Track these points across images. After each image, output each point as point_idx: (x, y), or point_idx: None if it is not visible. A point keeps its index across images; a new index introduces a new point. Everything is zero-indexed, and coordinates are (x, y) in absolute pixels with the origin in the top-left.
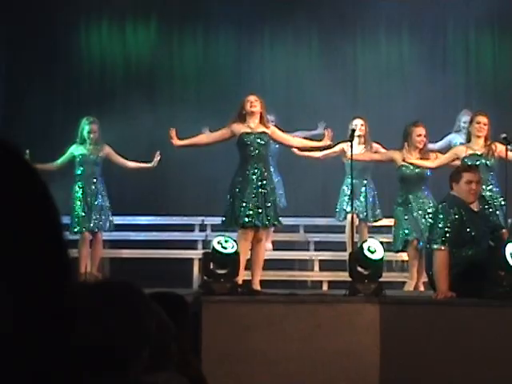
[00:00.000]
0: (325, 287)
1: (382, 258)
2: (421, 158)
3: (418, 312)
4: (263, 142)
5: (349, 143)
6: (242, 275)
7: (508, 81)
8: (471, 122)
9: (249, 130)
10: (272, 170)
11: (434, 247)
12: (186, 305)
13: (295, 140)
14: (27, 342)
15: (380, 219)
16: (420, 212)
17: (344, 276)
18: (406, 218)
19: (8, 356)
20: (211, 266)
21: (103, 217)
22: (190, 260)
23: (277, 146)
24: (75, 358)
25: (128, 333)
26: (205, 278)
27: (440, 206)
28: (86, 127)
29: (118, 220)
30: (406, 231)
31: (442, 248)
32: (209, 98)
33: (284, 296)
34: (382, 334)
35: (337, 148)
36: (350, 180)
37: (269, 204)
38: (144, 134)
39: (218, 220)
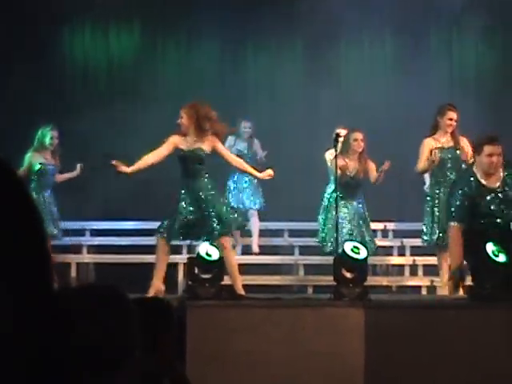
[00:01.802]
0: (310, 291)
1: (366, 258)
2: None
3: (403, 316)
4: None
5: (333, 151)
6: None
7: (491, 84)
8: (442, 114)
9: (184, 146)
10: (247, 177)
11: (449, 224)
12: (170, 309)
13: (234, 161)
14: (27, 342)
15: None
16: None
17: (329, 280)
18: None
19: (8, 356)
20: (196, 271)
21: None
22: (175, 265)
23: (251, 153)
24: (75, 357)
25: (126, 333)
26: (189, 282)
27: (453, 182)
28: (48, 134)
29: (103, 225)
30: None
31: (453, 224)
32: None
33: (268, 300)
34: (366, 338)
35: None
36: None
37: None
38: (127, 136)
39: None
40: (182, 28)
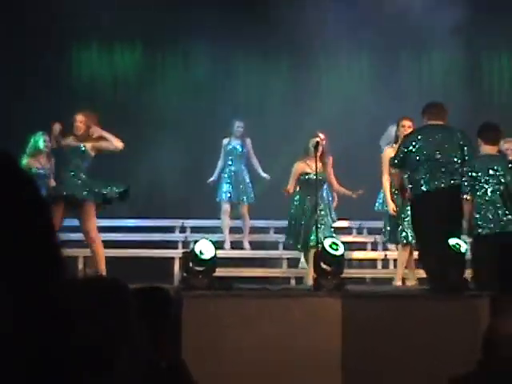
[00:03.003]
0: (293, 282)
1: (343, 254)
2: None
3: (376, 304)
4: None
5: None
6: None
7: (459, 99)
8: (398, 125)
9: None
10: (241, 169)
11: None
12: (169, 298)
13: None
14: (27, 341)
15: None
16: None
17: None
18: None
19: (8, 356)
20: (190, 264)
21: None
22: (172, 259)
23: (244, 150)
24: (75, 357)
25: (125, 332)
26: (184, 274)
27: None
28: (41, 138)
29: (107, 223)
30: None
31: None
32: (188, 117)
33: (256, 290)
34: (343, 323)
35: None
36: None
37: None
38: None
39: (196, 222)
40: (179, 47)
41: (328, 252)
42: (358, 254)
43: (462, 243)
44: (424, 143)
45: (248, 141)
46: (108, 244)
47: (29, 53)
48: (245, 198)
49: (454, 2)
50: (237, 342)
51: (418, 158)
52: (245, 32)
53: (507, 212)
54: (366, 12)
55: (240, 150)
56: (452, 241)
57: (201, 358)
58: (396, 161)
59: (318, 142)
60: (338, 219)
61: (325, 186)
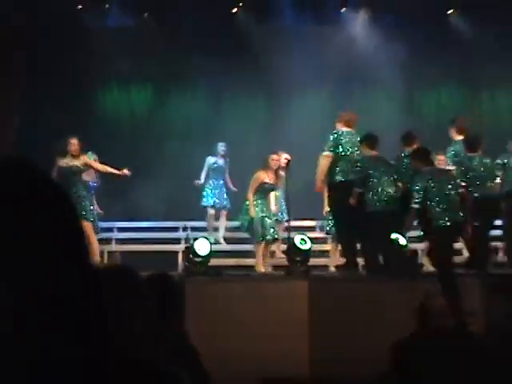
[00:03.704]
0: (269, 269)
1: (310, 248)
2: None
3: (337, 286)
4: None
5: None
6: None
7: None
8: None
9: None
10: (222, 182)
11: None
12: (174, 282)
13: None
14: (27, 342)
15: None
16: None
17: (283, 261)
18: None
19: (8, 356)
20: (191, 256)
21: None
22: (176, 252)
23: (225, 167)
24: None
25: (139, 309)
26: (186, 264)
27: None
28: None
29: (127, 224)
30: None
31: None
32: (187, 142)
33: (241, 276)
34: (309, 302)
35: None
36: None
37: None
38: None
39: (195, 223)
40: (181, 88)
41: (297, 246)
42: (321, 246)
43: (401, 237)
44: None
45: (227, 159)
46: (128, 241)
47: (67, 96)
48: (226, 205)
49: (395, 46)
50: (226, 315)
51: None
52: (233, 75)
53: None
54: (327, 61)
55: (223, 166)
56: (393, 235)
57: (199, 329)
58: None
59: (288, 160)
60: (305, 219)
61: (278, 193)
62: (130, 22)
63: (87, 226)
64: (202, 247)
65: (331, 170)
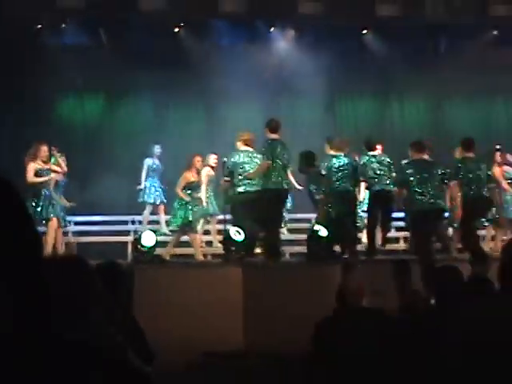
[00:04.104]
0: (209, 257)
1: (245, 240)
2: None
3: (266, 271)
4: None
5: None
6: None
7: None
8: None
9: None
10: (158, 180)
11: None
12: (123, 269)
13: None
14: (27, 342)
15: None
16: None
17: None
18: None
19: (8, 356)
20: (138, 247)
21: None
22: (126, 243)
23: (161, 167)
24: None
25: (92, 294)
26: (135, 253)
27: None
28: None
29: (83, 218)
30: None
31: None
32: (135, 145)
33: (183, 263)
34: (243, 285)
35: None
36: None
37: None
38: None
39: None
40: (128, 97)
41: (231, 237)
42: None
43: (321, 228)
44: None
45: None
46: (83, 232)
47: (29, 104)
48: (164, 200)
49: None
50: (169, 298)
51: None
52: (176, 87)
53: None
54: (259, 74)
55: (161, 167)
56: (316, 227)
57: (145, 312)
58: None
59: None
60: None
61: (203, 188)
62: (84, 40)
63: (54, 221)
64: (148, 239)
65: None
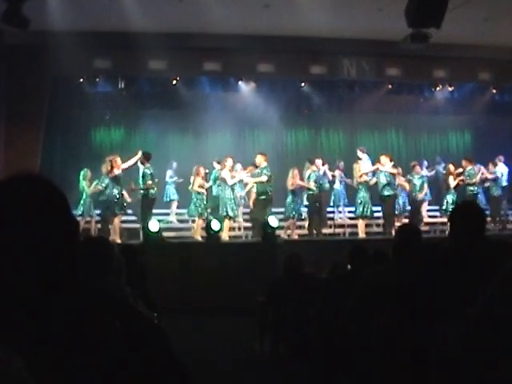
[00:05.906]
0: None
1: (219, 230)
2: None
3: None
4: None
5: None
6: None
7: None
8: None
9: None
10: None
11: None
12: (136, 250)
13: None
14: (65, 288)
15: None
16: None
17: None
18: None
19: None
20: (147, 232)
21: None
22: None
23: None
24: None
25: (111, 268)
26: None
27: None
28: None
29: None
30: None
31: None
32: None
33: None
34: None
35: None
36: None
37: None
38: None
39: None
40: (139, 129)
41: (211, 227)
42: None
43: (273, 219)
44: None
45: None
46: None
47: (73, 133)
48: (177, 197)
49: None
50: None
51: None
52: (173, 121)
53: None
54: (230, 114)
55: (175, 175)
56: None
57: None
58: None
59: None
60: None
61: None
62: (110, 89)
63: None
64: (154, 226)
65: None
